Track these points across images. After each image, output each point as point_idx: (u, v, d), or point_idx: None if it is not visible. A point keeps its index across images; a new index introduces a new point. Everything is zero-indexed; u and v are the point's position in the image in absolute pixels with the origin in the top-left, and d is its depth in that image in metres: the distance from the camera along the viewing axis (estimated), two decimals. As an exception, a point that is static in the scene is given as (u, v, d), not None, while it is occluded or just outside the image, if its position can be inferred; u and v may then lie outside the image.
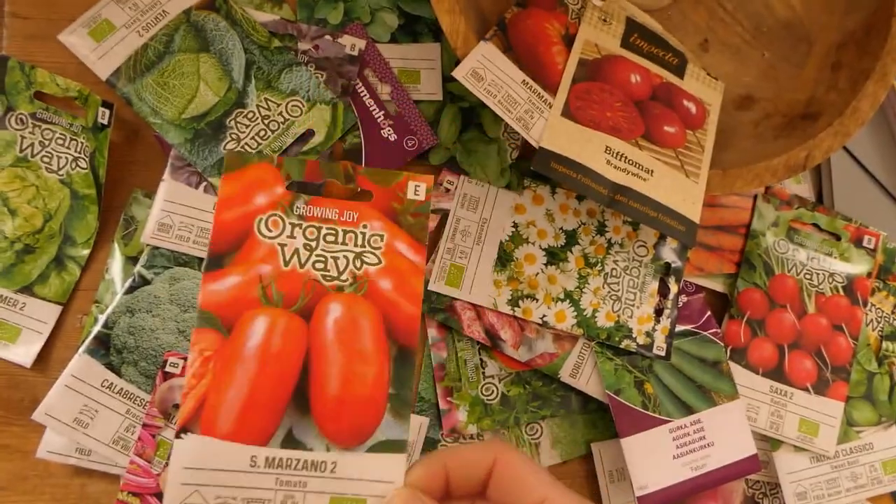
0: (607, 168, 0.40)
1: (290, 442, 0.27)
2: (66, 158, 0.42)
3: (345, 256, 0.29)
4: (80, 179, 0.42)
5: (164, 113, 0.42)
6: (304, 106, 0.43)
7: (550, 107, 0.41)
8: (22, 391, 0.41)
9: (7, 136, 0.41)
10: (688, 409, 0.46)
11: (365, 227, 0.30)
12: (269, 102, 0.43)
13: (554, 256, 0.46)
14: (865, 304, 0.49)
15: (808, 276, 0.49)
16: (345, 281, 0.29)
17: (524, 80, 0.40)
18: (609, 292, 0.46)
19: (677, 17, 0.51)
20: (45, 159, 0.42)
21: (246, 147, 0.42)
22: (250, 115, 0.42)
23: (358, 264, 0.29)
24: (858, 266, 0.50)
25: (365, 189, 0.30)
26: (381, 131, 0.45)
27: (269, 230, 0.29)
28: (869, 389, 0.49)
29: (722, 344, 0.47)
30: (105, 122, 0.42)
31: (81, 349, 0.39)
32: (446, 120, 0.46)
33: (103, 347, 0.39)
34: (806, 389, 0.48)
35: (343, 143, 0.44)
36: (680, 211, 0.41)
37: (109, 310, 0.40)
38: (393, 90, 0.46)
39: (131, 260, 0.42)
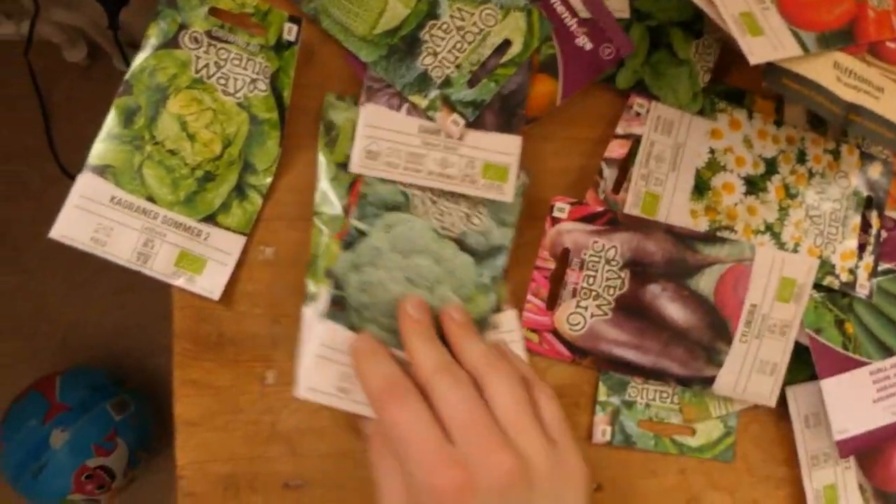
0: (838, 85, 0.37)
1: None
2: (244, 80, 0.39)
3: None
4: (259, 103, 0.39)
5: (355, 29, 0.38)
6: (498, 14, 0.40)
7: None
8: (210, 325, 0.39)
9: (182, 55, 0.39)
10: (887, 351, 0.43)
11: None
12: (461, 12, 0.39)
13: (753, 186, 0.42)
14: None
15: None
16: None
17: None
18: (811, 225, 0.43)
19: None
20: (222, 81, 0.39)
21: (443, 62, 0.39)
22: (444, 26, 0.39)
23: None
24: None
25: None
26: (576, 40, 0.41)
27: None
28: None
29: (922, 282, 0.44)
30: (292, 38, 0.39)
31: (321, 314, 0.37)
32: (633, 40, 0.43)
33: (341, 310, 0.37)
34: None
35: (537, 55, 0.41)
36: (917, 134, 0.37)
37: (336, 269, 0.38)
38: (580, -3, 0.42)
39: (341, 166, 0.39)
